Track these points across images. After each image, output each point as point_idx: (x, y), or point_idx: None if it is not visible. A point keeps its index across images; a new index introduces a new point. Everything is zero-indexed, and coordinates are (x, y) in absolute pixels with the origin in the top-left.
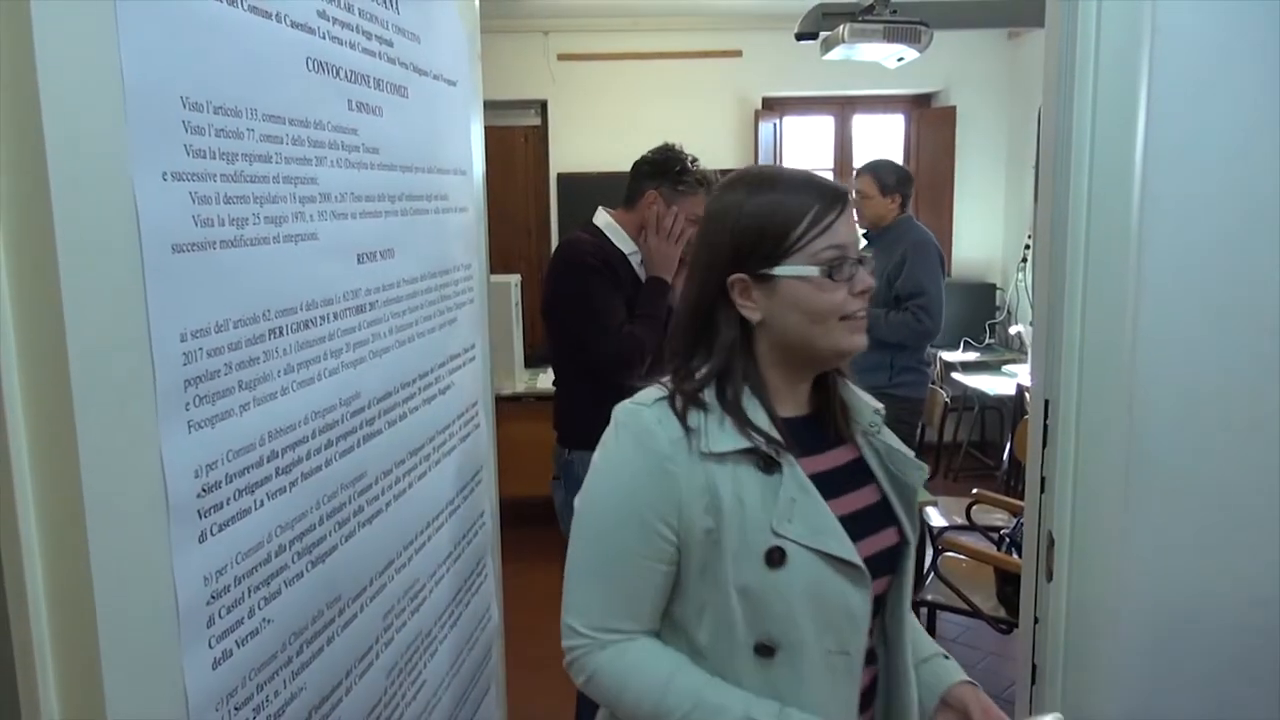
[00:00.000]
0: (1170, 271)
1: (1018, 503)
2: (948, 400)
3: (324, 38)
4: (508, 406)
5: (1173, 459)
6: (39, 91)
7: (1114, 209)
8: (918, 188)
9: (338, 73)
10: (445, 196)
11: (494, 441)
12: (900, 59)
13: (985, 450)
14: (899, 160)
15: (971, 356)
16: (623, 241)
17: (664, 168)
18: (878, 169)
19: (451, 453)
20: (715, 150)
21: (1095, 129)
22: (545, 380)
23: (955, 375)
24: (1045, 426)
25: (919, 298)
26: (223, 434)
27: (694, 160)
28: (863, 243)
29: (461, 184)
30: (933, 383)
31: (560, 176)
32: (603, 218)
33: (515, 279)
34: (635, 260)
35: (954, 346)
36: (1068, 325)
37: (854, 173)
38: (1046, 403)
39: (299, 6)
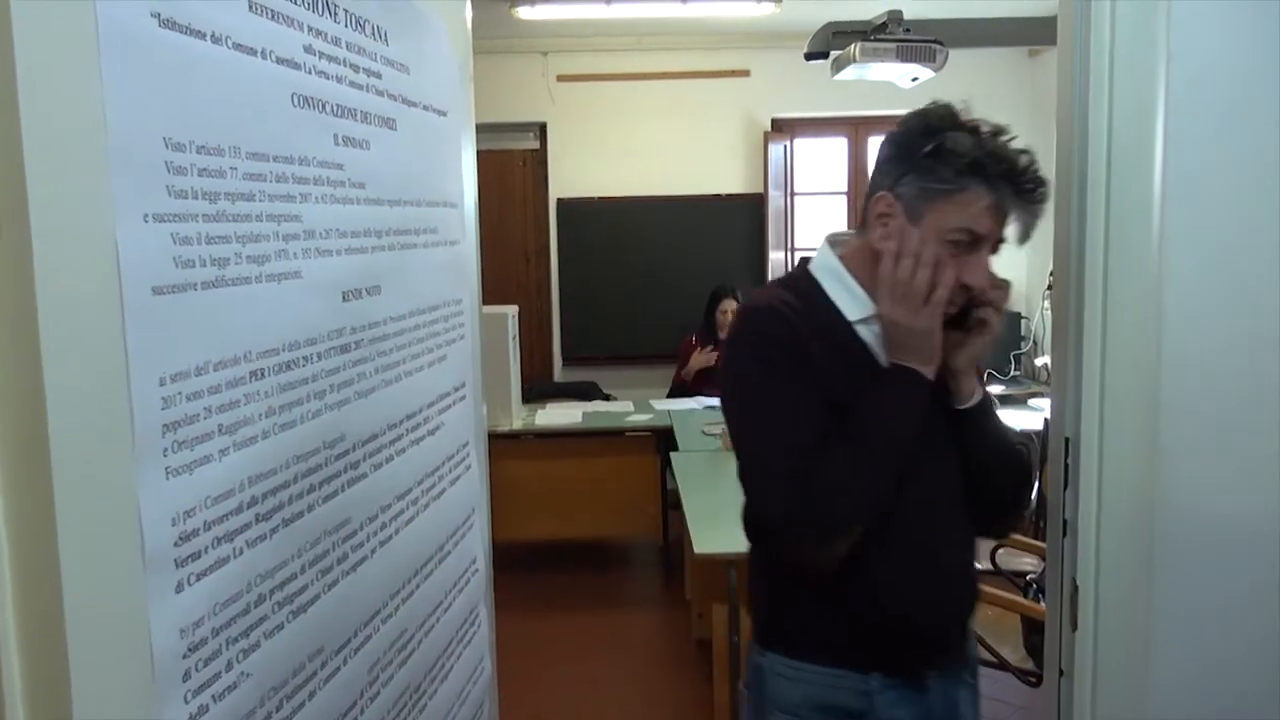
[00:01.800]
0: (1195, 302)
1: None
2: None
3: (310, 72)
4: (503, 444)
5: (1203, 502)
6: (22, 139)
7: (1133, 239)
8: None
9: (324, 107)
10: (435, 230)
11: (487, 483)
12: (915, 79)
13: None
14: None
15: (996, 390)
16: (850, 300)
17: (907, 146)
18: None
19: (441, 496)
20: (723, 173)
21: (1111, 156)
22: (545, 416)
23: None
24: (1066, 466)
25: None
26: (201, 480)
27: (974, 125)
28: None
29: (452, 216)
30: None
31: (560, 202)
32: (826, 258)
33: (512, 310)
34: (870, 334)
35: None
36: (1087, 359)
37: None
38: (1067, 441)
39: (285, 42)
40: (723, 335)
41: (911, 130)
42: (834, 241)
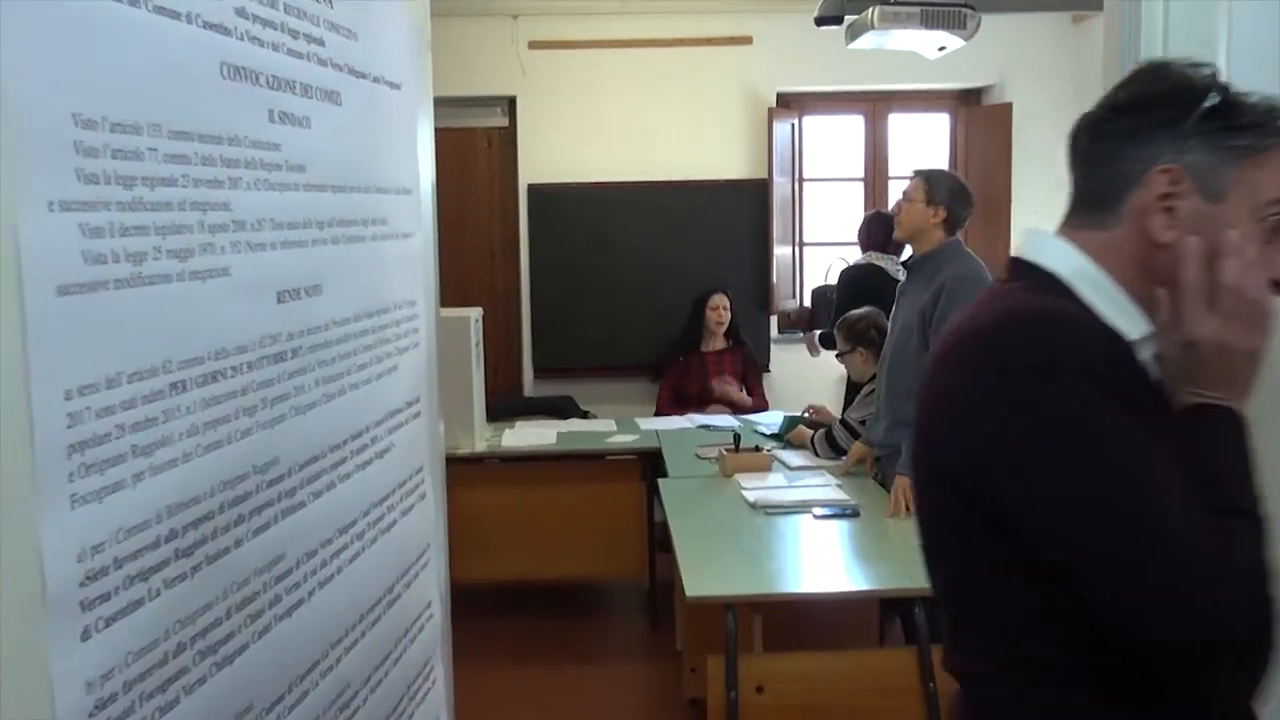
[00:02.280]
0: None
1: None
2: None
3: (242, 38)
4: (464, 470)
5: None
6: None
7: None
8: None
9: (258, 79)
10: (385, 220)
11: (444, 514)
12: (942, 48)
13: None
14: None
15: None
16: (1124, 315)
17: (1168, 105)
18: (933, 176)
19: (391, 529)
20: (721, 156)
21: None
22: (513, 437)
23: None
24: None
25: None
26: (112, 509)
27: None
28: (901, 273)
29: (405, 205)
30: None
31: (532, 189)
32: (1074, 260)
33: (475, 313)
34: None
35: None
36: None
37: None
38: None
39: (213, 5)
40: (715, 341)
41: (1159, 87)
42: (1065, 237)
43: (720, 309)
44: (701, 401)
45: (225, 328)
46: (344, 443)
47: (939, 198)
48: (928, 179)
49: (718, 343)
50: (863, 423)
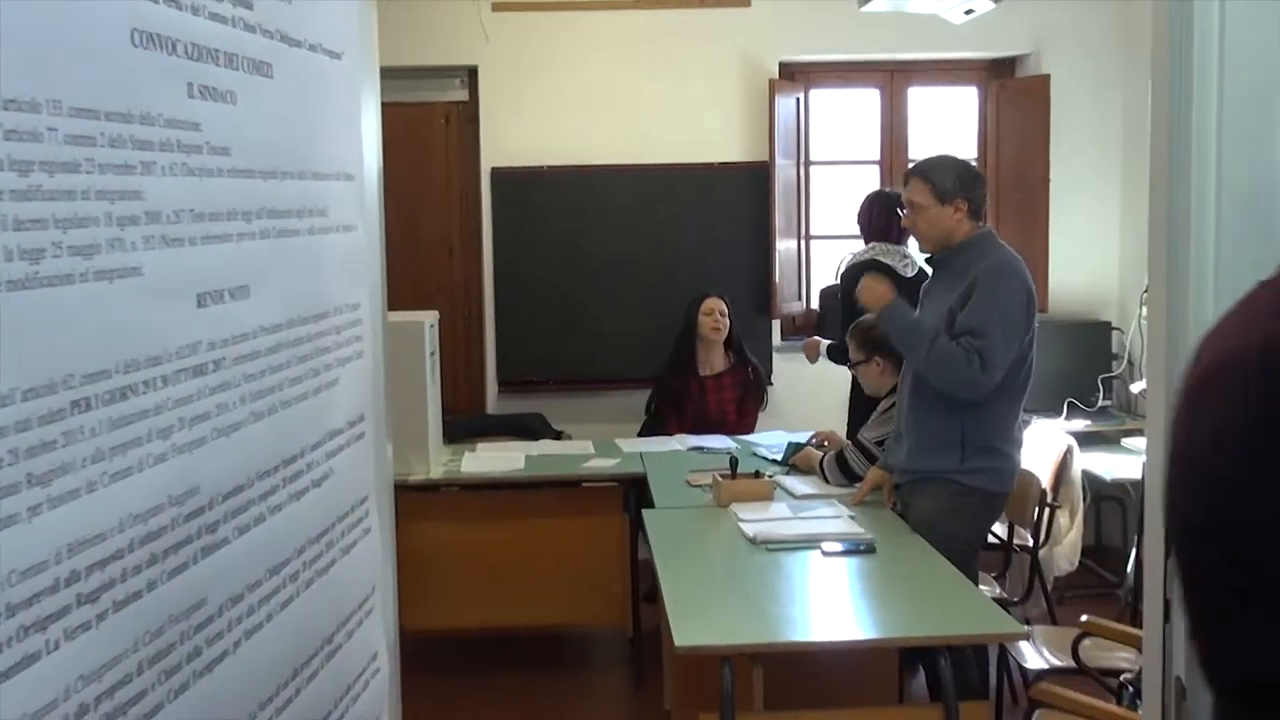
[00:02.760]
0: None
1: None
2: (1045, 489)
3: (157, 0)
4: (417, 500)
5: None
6: None
7: (1250, 233)
8: (999, 189)
9: (174, 48)
10: (324, 211)
11: (393, 551)
12: (969, 11)
13: (1102, 559)
14: (972, 151)
15: (1080, 425)
16: None
17: None
18: (930, 170)
19: (330, 569)
20: (715, 135)
21: (1222, 143)
22: (474, 461)
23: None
24: (1167, 530)
25: (977, 338)
26: (4, 548)
27: None
28: (908, 267)
29: (348, 193)
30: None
31: (496, 173)
32: None
33: (429, 318)
34: None
35: (1055, 411)
36: None
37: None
38: None
39: None
40: (712, 355)
41: None
42: None
43: (716, 315)
44: (707, 421)
45: (136, 336)
46: (275, 469)
47: (950, 190)
48: (925, 175)
49: (715, 360)
50: (880, 444)
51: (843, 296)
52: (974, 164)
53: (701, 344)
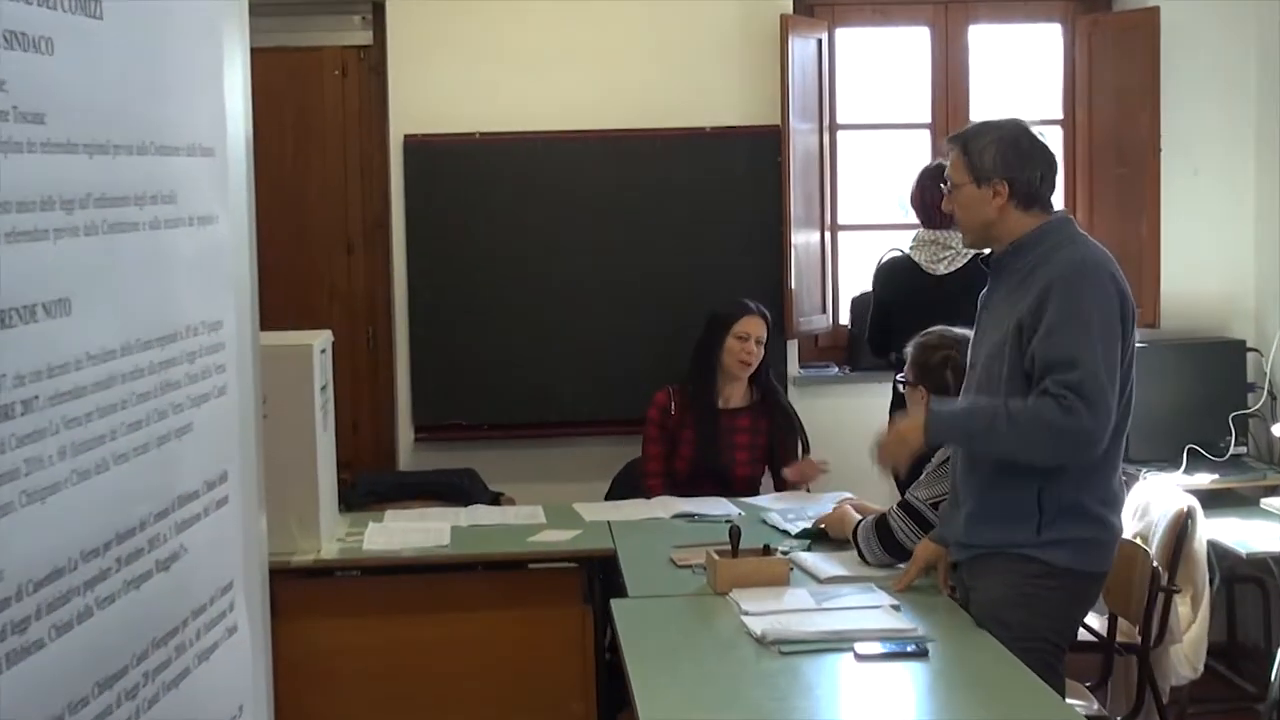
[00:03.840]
0: None
1: None
2: (1158, 567)
3: None
4: (302, 588)
5: None
6: None
7: None
8: (1091, 162)
9: None
10: (172, 197)
11: (268, 658)
12: None
13: (1236, 662)
14: (1055, 111)
15: (1205, 480)
16: None
17: None
18: (968, 139)
19: (182, 682)
20: (709, 89)
21: None
22: (381, 535)
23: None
24: None
25: (1067, 371)
26: None
27: None
28: (943, 264)
29: (205, 172)
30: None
31: (410, 143)
32: None
33: (320, 340)
34: None
35: (1170, 462)
36: None
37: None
38: None
39: None
40: (734, 390)
41: None
42: None
43: (753, 342)
44: (703, 484)
45: None
46: (105, 547)
47: (986, 168)
48: (963, 143)
49: (733, 393)
50: (936, 505)
51: (874, 303)
52: (1037, 134)
53: (722, 375)
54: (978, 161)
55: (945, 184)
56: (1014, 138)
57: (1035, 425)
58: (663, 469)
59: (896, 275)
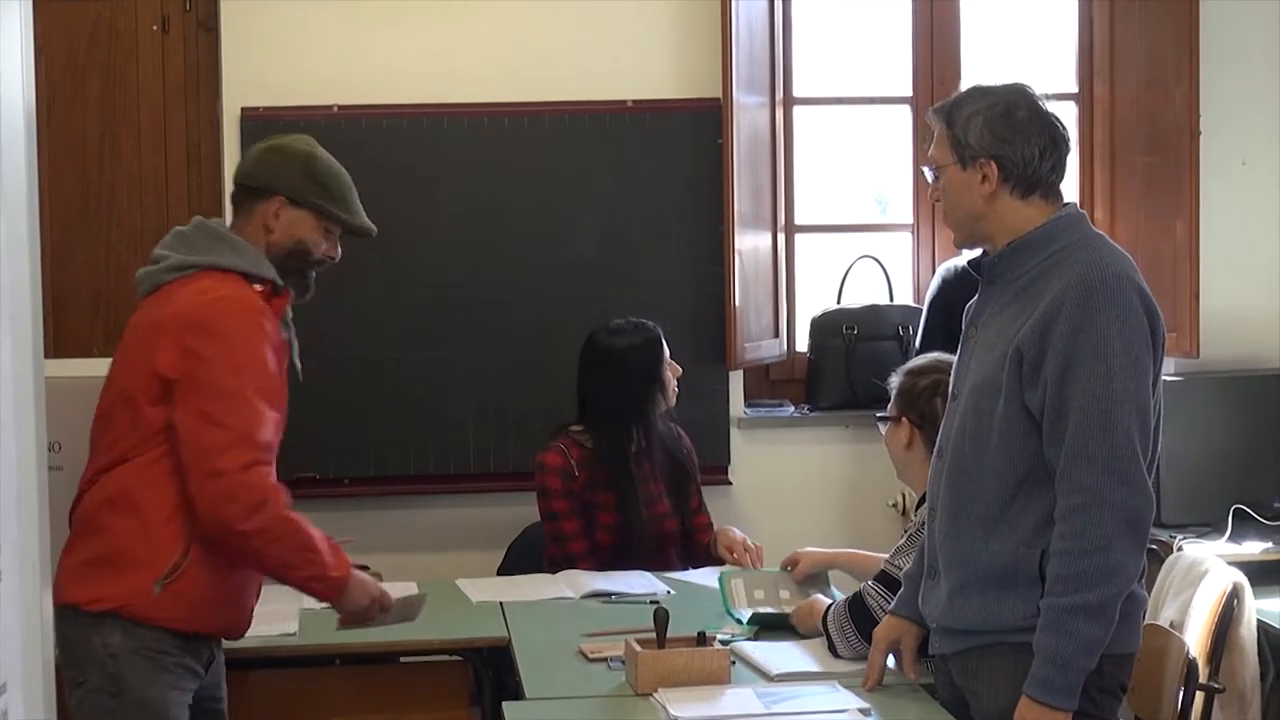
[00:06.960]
0: None
1: None
2: (1195, 659)
3: None
4: None
5: None
6: None
7: None
8: (1112, 146)
9: None
10: None
11: None
12: None
13: None
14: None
15: (1254, 549)
16: None
17: None
18: (951, 109)
19: None
20: (635, 53)
21: None
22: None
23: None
24: None
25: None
26: None
27: None
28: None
29: None
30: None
31: (248, 116)
32: None
33: None
34: None
35: (1213, 526)
36: None
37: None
38: None
39: None
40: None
41: None
42: None
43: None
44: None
45: None
46: None
47: (972, 145)
48: (947, 114)
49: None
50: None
51: (928, 312)
52: (1041, 102)
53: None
54: (962, 136)
55: (928, 170)
56: (1008, 106)
57: (1100, 569)
58: (589, 547)
59: (967, 280)
